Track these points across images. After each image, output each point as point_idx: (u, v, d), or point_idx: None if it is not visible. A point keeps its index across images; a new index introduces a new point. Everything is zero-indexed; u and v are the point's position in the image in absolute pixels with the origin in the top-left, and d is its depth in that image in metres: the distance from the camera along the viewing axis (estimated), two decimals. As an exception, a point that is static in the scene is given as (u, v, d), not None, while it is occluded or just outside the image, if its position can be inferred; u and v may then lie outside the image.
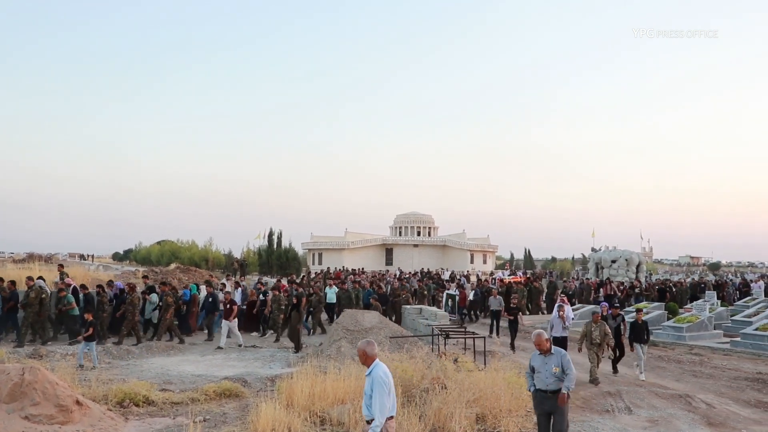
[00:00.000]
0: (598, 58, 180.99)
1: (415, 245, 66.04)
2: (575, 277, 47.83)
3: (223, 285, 22.42)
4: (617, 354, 14.68)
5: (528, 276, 38.62)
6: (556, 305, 15.75)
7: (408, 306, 22.38)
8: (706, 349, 18.31)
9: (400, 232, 69.96)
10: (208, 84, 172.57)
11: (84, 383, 10.79)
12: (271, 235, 54.39)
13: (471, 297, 27.09)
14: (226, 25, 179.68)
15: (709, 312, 21.91)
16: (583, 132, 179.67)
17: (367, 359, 5.99)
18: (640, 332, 14.12)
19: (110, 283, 20.69)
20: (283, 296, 20.31)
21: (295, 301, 18.93)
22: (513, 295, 25.61)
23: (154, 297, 19.49)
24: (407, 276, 37.60)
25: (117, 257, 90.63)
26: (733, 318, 22.82)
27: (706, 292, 30.52)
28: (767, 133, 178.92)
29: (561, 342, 13.97)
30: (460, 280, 35.08)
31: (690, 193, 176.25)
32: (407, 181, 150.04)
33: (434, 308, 21.76)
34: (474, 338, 14.97)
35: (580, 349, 13.77)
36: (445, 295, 26.67)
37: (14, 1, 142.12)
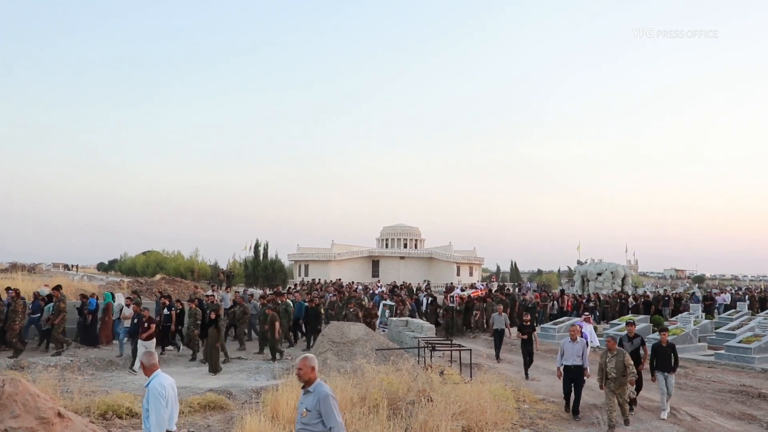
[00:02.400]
0: (584, 72, 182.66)
1: (402, 257, 66.03)
2: (532, 288, 46.87)
3: (212, 296, 20.91)
4: (636, 387, 11.76)
5: (489, 289, 36.56)
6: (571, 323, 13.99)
7: (394, 318, 22.29)
8: (690, 361, 18.36)
9: (386, 244, 69.93)
10: (193, 95, 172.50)
11: (66, 395, 10.66)
12: (257, 246, 54.29)
13: (409, 309, 24.82)
14: (212, 37, 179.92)
15: (694, 325, 22.03)
16: (569, 145, 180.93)
17: (146, 370, 5.99)
18: (666, 358, 11.41)
19: (8, 289, 18.39)
20: (199, 311, 18.33)
21: (212, 316, 16.55)
22: (475, 312, 25.43)
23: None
24: (320, 287, 35.14)
25: (102, 267, 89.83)
26: (717, 331, 22.98)
27: (666, 307, 30.60)
28: (754, 147, 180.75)
29: (577, 373, 11.33)
30: (425, 290, 33.31)
31: (676, 206, 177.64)
32: (394, 193, 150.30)
33: (419, 320, 21.61)
34: (460, 350, 14.95)
35: (602, 386, 10.69)
36: (381, 305, 24.77)
37: None
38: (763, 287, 59.49)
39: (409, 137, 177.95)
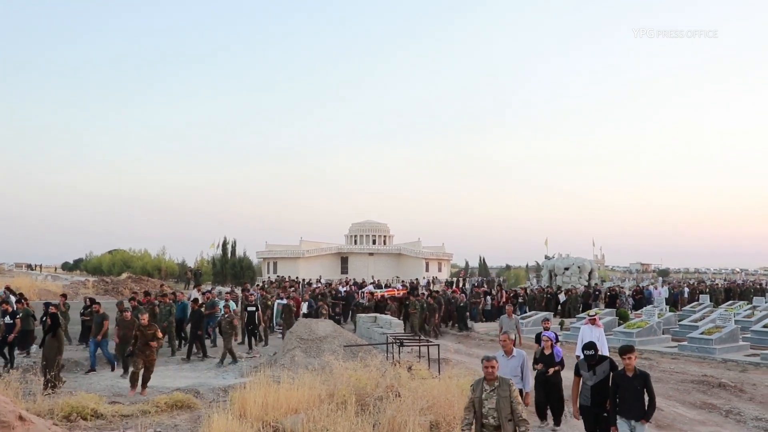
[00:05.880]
0: (548, 69, 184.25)
1: (371, 254, 66.08)
2: (472, 283, 44.82)
3: (196, 300, 19.74)
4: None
5: (407, 288, 32.63)
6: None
7: (363, 315, 22.28)
8: (655, 353, 18.70)
9: (355, 241, 69.90)
10: (159, 91, 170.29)
11: (29, 397, 10.49)
12: (225, 244, 53.93)
13: (305, 309, 22.40)
14: (185, 35, 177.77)
15: (658, 317, 22.45)
16: (534, 142, 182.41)
17: None
18: (633, 395, 7.33)
19: None
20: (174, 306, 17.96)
21: (49, 321, 13.54)
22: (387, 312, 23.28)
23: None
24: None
25: (66, 267, 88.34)
26: (680, 323, 23.45)
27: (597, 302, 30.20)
28: (719, 143, 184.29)
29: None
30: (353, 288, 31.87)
31: (641, 202, 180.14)
32: (362, 190, 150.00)
33: (388, 316, 21.58)
34: (428, 346, 15.02)
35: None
36: (276, 304, 22.65)
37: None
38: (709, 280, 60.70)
39: (377, 134, 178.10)
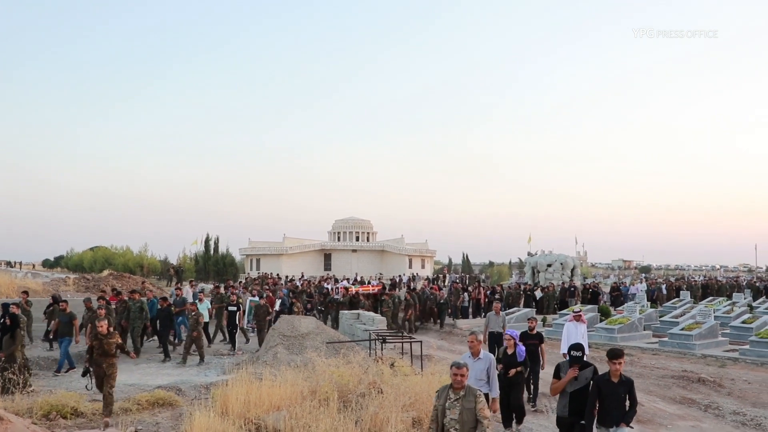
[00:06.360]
0: (533, 68, 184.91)
1: (354, 250, 65.99)
2: (452, 279, 44.58)
3: (165, 298, 18.92)
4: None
5: (383, 284, 32.11)
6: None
7: (346, 311, 22.26)
8: (636, 349, 18.87)
9: (338, 238, 69.76)
10: (141, 89, 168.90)
11: (7, 396, 10.39)
12: (207, 240, 53.86)
13: (278, 306, 22.04)
14: (167, 32, 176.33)
15: (639, 313, 22.66)
16: (518, 139, 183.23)
17: None
18: (616, 402, 6.79)
19: None
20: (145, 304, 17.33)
21: (8, 321, 12.44)
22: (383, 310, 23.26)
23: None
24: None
25: (47, 264, 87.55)
26: (661, 319, 23.70)
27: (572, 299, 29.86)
28: (704, 142, 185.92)
29: None
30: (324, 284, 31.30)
31: (624, 200, 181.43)
32: (346, 186, 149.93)
33: (371, 313, 21.58)
34: (411, 342, 15.05)
35: None
36: (248, 301, 21.80)
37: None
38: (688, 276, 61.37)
39: (361, 131, 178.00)
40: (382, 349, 15.44)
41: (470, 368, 7.57)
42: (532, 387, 11.46)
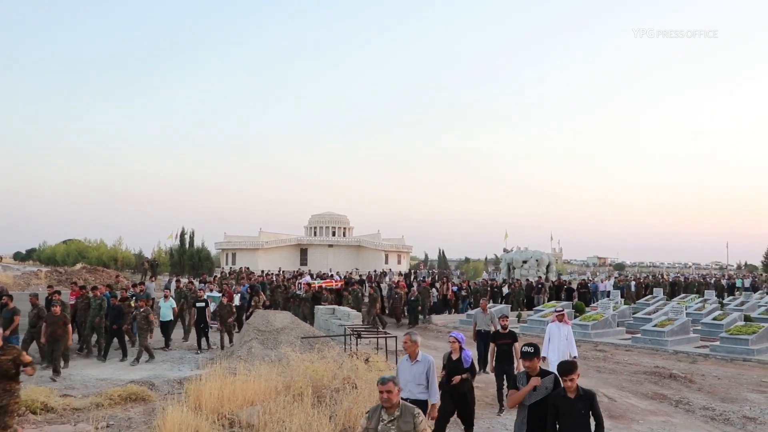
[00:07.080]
0: (510, 65, 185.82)
1: (330, 245, 65.92)
2: (422, 276, 44.14)
3: (115, 295, 17.93)
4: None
5: (346, 280, 31.73)
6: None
7: (321, 306, 22.17)
8: (609, 345, 19.06)
9: (315, 233, 69.61)
10: (117, 81, 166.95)
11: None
12: (183, 234, 53.48)
13: (237, 302, 21.24)
14: (147, 21, 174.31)
15: (613, 310, 22.90)
16: (494, 136, 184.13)
17: None
18: (578, 421, 5.62)
19: None
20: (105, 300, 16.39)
21: None
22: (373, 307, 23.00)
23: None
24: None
25: (19, 257, 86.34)
26: (635, 315, 23.99)
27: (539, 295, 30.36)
28: (665, 138, 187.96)
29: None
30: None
31: (598, 197, 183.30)
32: (323, 182, 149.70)
33: (347, 309, 21.49)
34: (386, 338, 15.04)
35: None
36: (206, 297, 19.81)
37: None
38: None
39: (338, 127, 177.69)
40: (357, 345, 15.42)
41: (407, 372, 7.29)
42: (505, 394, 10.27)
